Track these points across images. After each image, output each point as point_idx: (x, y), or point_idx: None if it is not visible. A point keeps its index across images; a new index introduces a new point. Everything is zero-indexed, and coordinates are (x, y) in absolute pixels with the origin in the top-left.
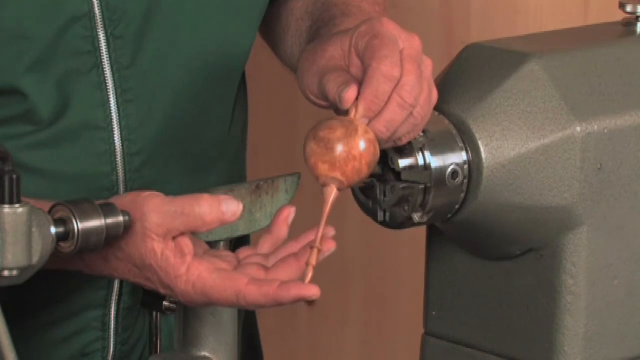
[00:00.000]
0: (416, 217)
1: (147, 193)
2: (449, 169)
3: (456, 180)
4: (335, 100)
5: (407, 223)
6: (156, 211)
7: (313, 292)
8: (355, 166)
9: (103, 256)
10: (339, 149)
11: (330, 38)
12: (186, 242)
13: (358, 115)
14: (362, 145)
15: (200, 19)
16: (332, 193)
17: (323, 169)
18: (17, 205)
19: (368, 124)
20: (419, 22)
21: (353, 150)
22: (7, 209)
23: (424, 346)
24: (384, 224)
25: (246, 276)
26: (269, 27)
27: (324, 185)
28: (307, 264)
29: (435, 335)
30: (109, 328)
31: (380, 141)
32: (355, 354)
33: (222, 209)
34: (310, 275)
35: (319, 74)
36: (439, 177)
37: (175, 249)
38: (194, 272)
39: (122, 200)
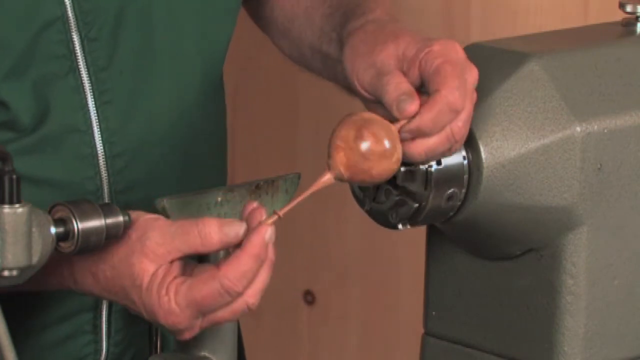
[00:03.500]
0: (401, 225)
1: (150, 215)
2: (447, 193)
3: (450, 203)
4: (391, 105)
5: (391, 227)
6: (158, 231)
7: (265, 228)
8: (365, 180)
9: (93, 272)
10: (341, 134)
11: (394, 36)
12: (175, 267)
13: (405, 129)
14: (386, 172)
15: (173, 15)
16: (325, 176)
17: (340, 160)
18: (17, 205)
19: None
20: (419, 22)
21: (375, 170)
22: (7, 209)
23: (424, 346)
24: (369, 213)
25: (213, 265)
26: (270, 18)
27: (327, 168)
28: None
29: (435, 335)
30: (101, 331)
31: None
32: (355, 354)
33: (224, 230)
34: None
35: (374, 67)
36: (435, 199)
37: (165, 274)
38: (171, 290)
39: None
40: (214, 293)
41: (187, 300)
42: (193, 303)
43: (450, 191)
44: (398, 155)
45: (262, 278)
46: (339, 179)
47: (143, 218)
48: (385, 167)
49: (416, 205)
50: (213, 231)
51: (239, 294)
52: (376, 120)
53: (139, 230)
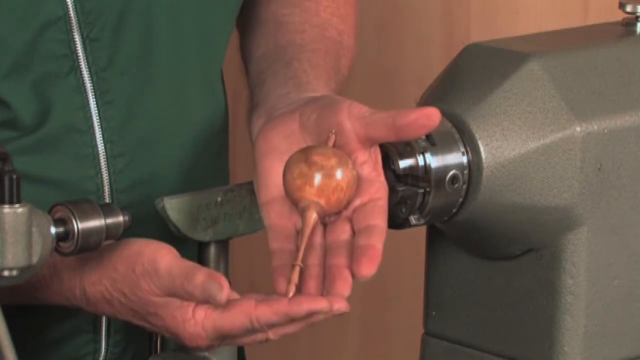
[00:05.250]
0: (413, 219)
1: (155, 246)
2: (449, 174)
3: (455, 185)
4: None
5: (405, 224)
6: (157, 277)
7: (323, 304)
8: (339, 197)
9: (107, 300)
10: (319, 174)
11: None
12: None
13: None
14: (351, 179)
15: (174, 16)
16: (312, 217)
17: (309, 193)
18: (17, 205)
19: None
20: (419, 22)
21: (342, 182)
22: (7, 209)
23: (424, 346)
24: None
25: (252, 299)
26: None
27: (305, 210)
28: (289, 282)
29: (435, 335)
30: (100, 330)
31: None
32: (355, 354)
33: (207, 287)
34: (292, 292)
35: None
36: (438, 182)
37: (181, 300)
38: (200, 314)
39: (128, 250)
40: (242, 327)
41: (215, 327)
42: (220, 331)
43: (451, 173)
44: (356, 172)
45: (293, 328)
46: (320, 212)
47: (147, 250)
48: (348, 175)
49: (422, 190)
50: (197, 292)
51: (264, 331)
52: (338, 152)
53: (140, 266)
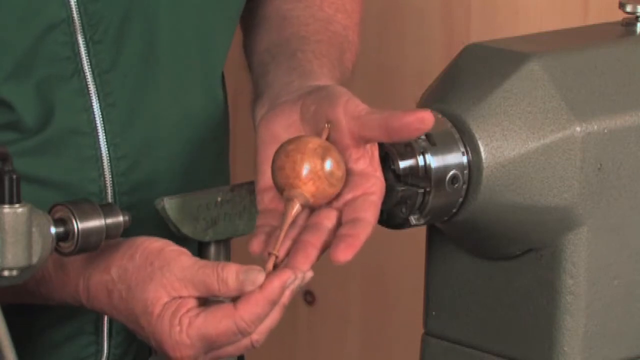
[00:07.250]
0: (413, 219)
1: (175, 247)
2: (449, 174)
3: (455, 185)
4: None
5: (405, 224)
6: (179, 266)
7: (288, 274)
8: (320, 185)
9: (109, 290)
10: (308, 165)
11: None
12: (190, 300)
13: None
14: (330, 166)
15: (177, 20)
16: (295, 207)
17: (309, 190)
18: (17, 205)
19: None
20: (419, 22)
21: (320, 170)
22: (7, 209)
23: (424, 346)
24: (382, 223)
25: (229, 304)
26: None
27: (288, 199)
28: (264, 269)
29: (435, 335)
30: (102, 332)
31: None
32: (355, 354)
33: (241, 277)
34: (261, 280)
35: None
36: (438, 182)
37: (178, 305)
38: (184, 321)
39: (150, 244)
40: (227, 332)
41: (199, 334)
42: (205, 338)
43: (451, 173)
44: (339, 159)
45: (272, 318)
46: (304, 202)
47: (169, 248)
48: (328, 162)
49: (422, 190)
50: (230, 278)
51: (250, 334)
52: (330, 146)
53: (162, 260)
